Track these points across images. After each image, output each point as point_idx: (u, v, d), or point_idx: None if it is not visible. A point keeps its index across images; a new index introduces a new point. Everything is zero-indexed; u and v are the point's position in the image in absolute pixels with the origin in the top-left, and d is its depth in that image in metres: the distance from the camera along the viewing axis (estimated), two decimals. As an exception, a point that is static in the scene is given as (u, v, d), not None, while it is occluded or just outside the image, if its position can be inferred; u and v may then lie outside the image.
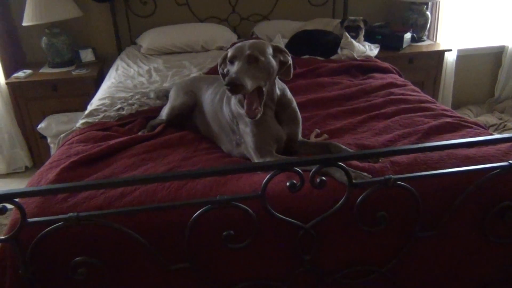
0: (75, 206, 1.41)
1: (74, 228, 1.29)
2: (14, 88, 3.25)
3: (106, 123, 2.14)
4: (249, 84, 1.56)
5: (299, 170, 1.27)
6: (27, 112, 3.31)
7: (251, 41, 1.68)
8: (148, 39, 3.31)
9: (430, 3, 3.66)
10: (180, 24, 3.47)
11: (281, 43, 3.13)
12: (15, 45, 3.53)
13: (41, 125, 3.18)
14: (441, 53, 3.54)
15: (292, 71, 1.78)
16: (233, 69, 1.58)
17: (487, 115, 3.88)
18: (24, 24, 3.19)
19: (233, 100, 1.78)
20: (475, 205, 1.47)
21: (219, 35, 3.38)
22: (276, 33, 3.35)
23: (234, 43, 3.12)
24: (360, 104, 2.20)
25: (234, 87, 1.52)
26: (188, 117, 2.12)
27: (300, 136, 1.83)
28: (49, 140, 3.21)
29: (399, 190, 1.37)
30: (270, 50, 1.67)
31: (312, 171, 1.28)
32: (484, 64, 4.09)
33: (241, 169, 1.26)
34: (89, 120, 2.19)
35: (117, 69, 3.01)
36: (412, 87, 2.47)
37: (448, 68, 3.76)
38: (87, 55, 3.47)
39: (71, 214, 1.23)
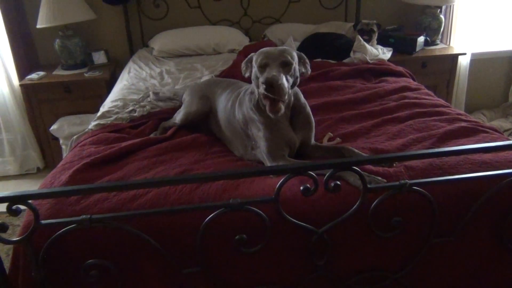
0: (87, 208, 1.41)
1: (87, 231, 1.28)
2: (27, 89, 3.27)
3: (118, 125, 2.15)
4: (287, 90, 1.57)
5: (313, 174, 1.26)
6: (39, 114, 3.34)
7: (279, 47, 1.68)
8: (160, 42, 3.32)
9: (444, 7, 3.62)
10: (192, 27, 3.48)
11: (293, 46, 3.12)
12: (28, 47, 3.56)
13: (54, 127, 3.20)
14: (454, 57, 3.50)
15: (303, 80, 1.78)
16: (267, 72, 1.56)
17: (501, 120, 3.83)
18: (38, 26, 3.22)
19: (246, 104, 1.77)
20: (492, 212, 1.44)
21: (231, 38, 3.38)
22: (288, 36, 3.34)
23: (246, 46, 3.15)
24: (373, 108, 2.18)
25: (273, 86, 1.51)
26: (202, 122, 2.12)
27: (313, 140, 1.82)
28: (61, 141, 3.23)
29: (414, 195, 1.36)
30: (296, 57, 1.68)
31: (326, 175, 1.27)
32: (498, 68, 4.04)
33: (254, 172, 1.25)
34: (102, 122, 2.20)
35: (129, 72, 3.02)
36: (426, 91, 2.44)
37: (462, 72, 3.72)
38: (99, 57, 3.49)
39: (84, 216, 1.23)
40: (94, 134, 2.06)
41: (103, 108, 2.41)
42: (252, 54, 1.72)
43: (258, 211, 1.29)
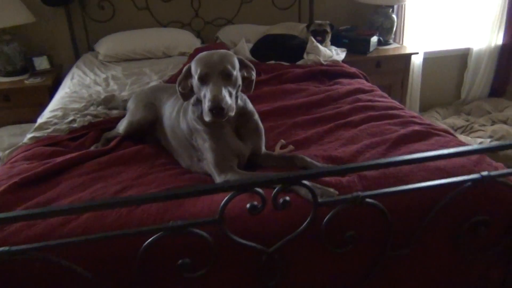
0: (11, 236, 1.26)
1: (9, 263, 1.14)
2: (-40, 99, 3.02)
3: (55, 137, 1.98)
4: (232, 105, 1.48)
5: (260, 191, 1.16)
6: (-23, 125, 3.09)
7: (218, 52, 1.55)
8: (106, 46, 3.14)
9: (395, 6, 3.63)
10: (140, 29, 3.31)
11: (246, 48, 3.03)
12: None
13: (-8, 138, 2.97)
14: (408, 56, 3.51)
15: (253, 86, 1.69)
16: (210, 89, 1.45)
17: (454, 117, 3.88)
18: (-30, 31, 2.98)
19: (190, 114, 1.66)
20: (448, 220, 1.39)
21: (182, 40, 3.25)
22: (241, 37, 3.24)
23: (198, 49, 3.02)
24: (326, 112, 2.11)
25: (220, 111, 1.42)
26: (148, 131, 1.99)
27: (263, 148, 1.73)
28: (0, 154, 3.00)
29: (368, 207, 1.28)
30: (237, 63, 1.57)
31: (274, 192, 1.18)
32: (450, 66, 4.10)
33: (195, 192, 1.14)
34: (38, 134, 2.02)
35: (72, 78, 2.83)
36: (380, 92, 2.40)
37: (415, 71, 3.74)
38: (41, 63, 3.27)
39: (2, 248, 1.08)
40: (28, 148, 1.89)
41: (41, 119, 2.24)
42: (188, 64, 1.61)
43: (202, 233, 1.18)
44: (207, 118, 1.47)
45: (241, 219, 1.29)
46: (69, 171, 1.68)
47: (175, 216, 1.32)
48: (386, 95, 2.39)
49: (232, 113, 1.49)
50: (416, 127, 1.83)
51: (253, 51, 3.02)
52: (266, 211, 1.22)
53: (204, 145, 1.61)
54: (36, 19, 3.19)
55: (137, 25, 3.39)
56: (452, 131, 1.87)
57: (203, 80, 1.49)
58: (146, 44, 3.16)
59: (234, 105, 1.51)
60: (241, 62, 1.60)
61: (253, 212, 1.18)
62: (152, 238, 1.15)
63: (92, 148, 1.90)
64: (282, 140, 1.87)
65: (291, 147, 1.83)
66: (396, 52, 3.49)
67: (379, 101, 2.21)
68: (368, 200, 1.25)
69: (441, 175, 1.43)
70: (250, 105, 1.69)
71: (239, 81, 1.57)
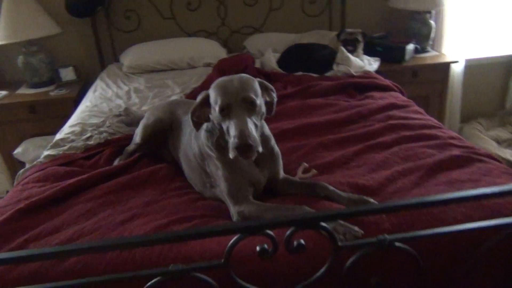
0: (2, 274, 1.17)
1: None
2: (-12, 111, 3.04)
3: (70, 156, 1.91)
4: (259, 140, 1.34)
5: (271, 234, 1.03)
6: (3, 136, 3.10)
7: (237, 78, 1.41)
8: (130, 56, 3.09)
9: (433, 12, 3.40)
10: (165, 40, 3.24)
11: (272, 58, 2.90)
12: (-8, 64, 3.33)
13: (18, 150, 2.97)
14: (447, 65, 3.28)
15: (274, 109, 1.55)
16: (235, 123, 1.31)
17: (499, 129, 3.61)
18: (-1, 43, 2.99)
19: (203, 140, 1.54)
20: (492, 266, 1.21)
21: (207, 50, 3.15)
22: (269, 46, 3.11)
23: (222, 60, 2.92)
24: (355, 131, 1.95)
25: (248, 148, 1.29)
26: (163, 137, 1.89)
27: (282, 173, 1.59)
28: (27, 165, 2.99)
29: (397, 251, 1.12)
30: (259, 88, 1.44)
31: (287, 235, 1.04)
32: (494, 74, 3.82)
33: (197, 234, 1.02)
34: (53, 152, 1.97)
35: (95, 91, 2.79)
36: (415, 107, 2.21)
37: (456, 80, 3.49)
38: (67, 74, 3.26)
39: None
40: (42, 168, 1.83)
41: (59, 135, 2.18)
42: (204, 92, 1.47)
43: (206, 278, 1.06)
44: (232, 155, 1.32)
45: (251, 261, 1.16)
46: (79, 194, 1.60)
47: (181, 255, 1.20)
48: (422, 110, 2.19)
49: (260, 149, 1.34)
50: (455, 151, 1.64)
51: (280, 62, 2.89)
52: (278, 253, 1.08)
53: (217, 173, 1.49)
54: (62, 30, 3.18)
55: (162, 35, 3.32)
56: (496, 156, 1.66)
57: (225, 111, 1.35)
58: (171, 55, 3.08)
59: (258, 136, 1.37)
60: (261, 85, 1.46)
61: (263, 256, 1.05)
62: (150, 283, 1.04)
63: (116, 162, 1.84)
64: (305, 164, 1.72)
65: (313, 171, 1.68)
66: (435, 61, 3.27)
67: (414, 119, 2.03)
68: (397, 244, 1.09)
69: (484, 213, 1.25)
70: (267, 130, 1.55)
71: (263, 109, 1.44)
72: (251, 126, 1.32)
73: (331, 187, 1.44)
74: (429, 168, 1.55)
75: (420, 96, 3.20)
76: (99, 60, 3.34)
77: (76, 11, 3.13)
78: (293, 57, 2.87)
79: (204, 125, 1.52)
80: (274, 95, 1.52)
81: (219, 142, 1.47)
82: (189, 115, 1.47)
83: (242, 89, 1.36)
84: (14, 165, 3.20)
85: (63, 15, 3.15)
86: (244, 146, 1.28)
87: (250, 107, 1.36)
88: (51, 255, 0.93)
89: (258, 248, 1.05)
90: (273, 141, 1.57)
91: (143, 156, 1.90)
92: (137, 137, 1.93)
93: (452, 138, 1.81)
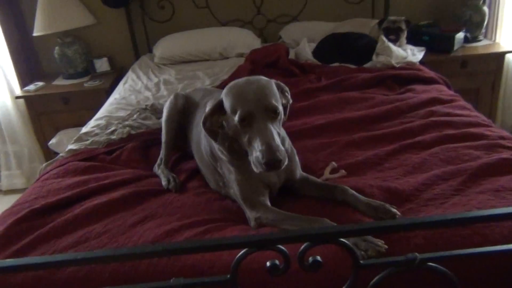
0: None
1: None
2: (26, 101, 3.08)
3: (92, 151, 1.86)
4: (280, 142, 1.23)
5: (283, 249, 0.91)
6: (40, 127, 3.14)
7: (256, 83, 1.27)
8: (162, 47, 3.03)
9: (488, -3, 3.12)
10: (198, 29, 3.15)
11: (307, 49, 2.74)
12: (30, 56, 3.37)
13: (53, 141, 3.00)
14: (501, 55, 3.00)
15: (288, 112, 1.42)
16: (261, 135, 1.18)
17: (559, 127, 3.29)
18: (35, 34, 3.02)
19: (213, 143, 1.43)
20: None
21: (241, 40, 3.04)
22: (306, 36, 2.95)
23: (254, 50, 2.80)
24: (392, 128, 1.78)
25: (277, 164, 1.17)
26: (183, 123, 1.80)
27: (299, 172, 1.47)
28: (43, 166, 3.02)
29: (430, 272, 0.98)
30: (277, 91, 1.31)
31: (300, 251, 0.92)
32: (555, 65, 3.48)
33: (200, 248, 0.91)
34: (75, 147, 1.93)
35: (125, 82, 2.75)
36: (462, 102, 2.01)
37: (510, 72, 3.19)
38: (102, 65, 3.25)
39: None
40: (63, 162, 1.79)
41: (85, 128, 2.15)
42: (215, 99, 1.34)
43: (210, 294, 0.96)
44: (258, 170, 1.21)
45: (261, 276, 1.05)
46: (94, 196, 1.53)
47: (188, 264, 1.11)
48: (469, 106, 1.99)
49: (286, 161, 1.22)
50: (505, 154, 1.45)
51: (315, 52, 2.74)
52: (292, 269, 0.97)
53: (230, 176, 1.40)
54: (97, 21, 3.17)
55: (197, 25, 3.24)
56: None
57: (246, 121, 1.22)
58: (203, 45, 2.99)
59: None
60: (277, 87, 1.33)
61: (273, 273, 0.93)
62: (149, 299, 0.95)
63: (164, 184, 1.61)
64: (333, 163, 1.59)
65: (342, 172, 1.54)
66: (487, 51, 3.00)
67: (459, 115, 1.83)
68: (431, 264, 0.95)
69: (535, 229, 1.07)
70: (282, 130, 1.42)
71: (282, 114, 1.30)
72: (277, 138, 1.21)
73: (351, 191, 1.31)
74: (473, 173, 1.37)
75: (469, 89, 2.96)
76: (133, 51, 3.32)
77: (111, 1, 3.10)
78: (330, 47, 2.71)
79: None
80: (289, 96, 1.39)
81: (231, 146, 1.36)
82: (201, 124, 1.35)
83: (264, 95, 1.23)
84: (51, 156, 3.24)
85: (97, 6, 3.15)
86: (275, 161, 1.16)
87: (273, 115, 1.23)
88: (41, 265, 0.86)
89: (268, 264, 0.94)
90: (288, 141, 1.44)
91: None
92: (163, 136, 1.81)
93: (502, 138, 1.61)
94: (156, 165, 1.71)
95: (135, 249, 0.94)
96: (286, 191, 1.45)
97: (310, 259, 0.93)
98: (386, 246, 1.06)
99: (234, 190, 1.38)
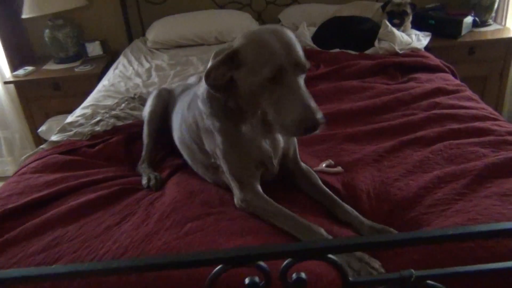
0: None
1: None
2: (16, 86, 2.97)
3: (74, 143, 1.76)
4: None
5: (264, 266, 0.82)
6: (30, 113, 3.04)
7: (283, 32, 1.11)
8: (155, 31, 2.89)
9: (499, -21, 2.96)
10: (193, 12, 3.02)
11: (307, 33, 2.62)
12: (22, 39, 3.25)
13: (42, 128, 2.90)
14: (511, 41, 2.86)
15: None
16: (296, 95, 1.04)
17: None
18: (23, 16, 2.90)
19: (201, 108, 1.29)
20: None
21: (238, 23, 2.89)
22: (306, 19, 2.82)
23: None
24: (392, 121, 1.67)
25: (316, 127, 1.05)
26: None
27: (298, 158, 1.36)
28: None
29: None
30: None
31: (282, 266, 0.82)
32: None
33: (171, 264, 0.82)
34: (58, 138, 1.82)
35: (115, 68, 2.63)
36: (468, 93, 1.88)
37: (520, 58, 3.05)
38: (94, 49, 3.13)
39: None
40: (43, 155, 1.69)
41: (70, 118, 2.05)
42: (228, 48, 1.13)
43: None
44: (288, 133, 1.10)
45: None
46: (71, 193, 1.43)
47: (164, 274, 1.02)
48: (476, 97, 1.86)
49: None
50: (513, 153, 1.34)
51: (315, 37, 2.61)
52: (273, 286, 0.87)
53: (217, 151, 1.27)
54: (89, 2, 3.04)
55: (193, 7, 3.10)
56: None
57: (276, 80, 1.05)
58: (198, 29, 2.86)
59: None
60: None
61: (252, 292, 0.84)
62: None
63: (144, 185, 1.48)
64: (330, 160, 1.48)
65: (339, 168, 1.44)
66: (496, 36, 2.85)
67: (465, 107, 1.72)
68: (429, 282, 0.85)
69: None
70: None
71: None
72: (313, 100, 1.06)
73: (355, 213, 1.19)
74: (479, 174, 1.26)
75: (476, 76, 2.83)
76: (126, 35, 3.19)
77: (102, -18, 2.97)
78: (330, 32, 2.57)
79: (200, 91, 1.28)
80: None
81: (226, 108, 1.21)
82: (204, 77, 1.16)
83: (294, 48, 1.08)
84: (41, 143, 3.15)
85: (88, -14, 3.01)
86: (316, 123, 1.03)
87: (302, 73, 1.09)
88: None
89: (246, 282, 0.84)
90: None
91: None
92: (144, 137, 1.68)
93: (511, 134, 1.49)
94: (138, 164, 1.61)
95: (98, 265, 0.85)
96: (283, 181, 1.35)
97: (294, 275, 0.84)
98: (383, 270, 0.96)
99: (223, 165, 1.27)
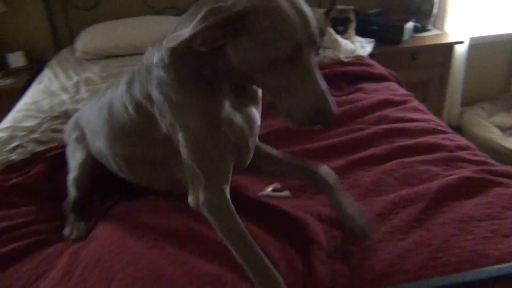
0: None
1: None
2: None
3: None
4: None
5: None
6: None
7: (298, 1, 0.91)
8: (85, 39, 2.65)
9: (436, -16, 2.98)
10: (127, 19, 2.80)
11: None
12: None
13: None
14: (450, 46, 2.89)
15: None
16: (311, 80, 0.89)
17: (503, 114, 3.25)
18: None
19: (163, 75, 1.03)
20: None
21: (175, 31, 2.72)
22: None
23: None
24: (340, 137, 1.57)
25: (330, 117, 0.91)
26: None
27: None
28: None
29: None
30: None
31: None
32: (500, 54, 3.42)
33: None
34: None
35: (40, 82, 2.37)
36: (415, 103, 1.84)
37: (458, 62, 3.07)
38: (17, 60, 2.84)
39: None
40: None
41: (-17, 143, 1.79)
42: (230, 6, 0.88)
43: None
44: (294, 123, 0.93)
45: None
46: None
47: None
48: (423, 107, 1.82)
49: None
50: (466, 171, 1.27)
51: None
52: None
53: (179, 133, 1.03)
54: (9, 9, 2.75)
55: (127, 13, 2.87)
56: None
57: (291, 59, 0.88)
58: (133, 37, 2.64)
59: None
60: None
61: None
62: None
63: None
64: (277, 184, 1.36)
65: (286, 192, 1.33)
66: (436, 41, 2.87)
67: (413, 120, 1.66)
68: None
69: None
70: None
71: None
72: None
73: (339, 188, 1.12)
74: (433, 197, 1.18)
75: (419, 82, 2.84)
76: (53, 44, 2.92)
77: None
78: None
79: (157, 58, 1.04)
80: None
81: (198, 76, 1.01)
82: (202, 31, 0.87)
83: (311, 21, 0.91)
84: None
85: (7, -9, 2.72)
86: (330, 113, 0.89)
87: (317, 52, 0.95)
88: None
89: None
90: None
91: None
92: (71, 190, 1.37)
93: (461, 148, 1.44)
94: (64, 202, 1.38)
95: None
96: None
97: None
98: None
99: (187, 153, 1.03)
